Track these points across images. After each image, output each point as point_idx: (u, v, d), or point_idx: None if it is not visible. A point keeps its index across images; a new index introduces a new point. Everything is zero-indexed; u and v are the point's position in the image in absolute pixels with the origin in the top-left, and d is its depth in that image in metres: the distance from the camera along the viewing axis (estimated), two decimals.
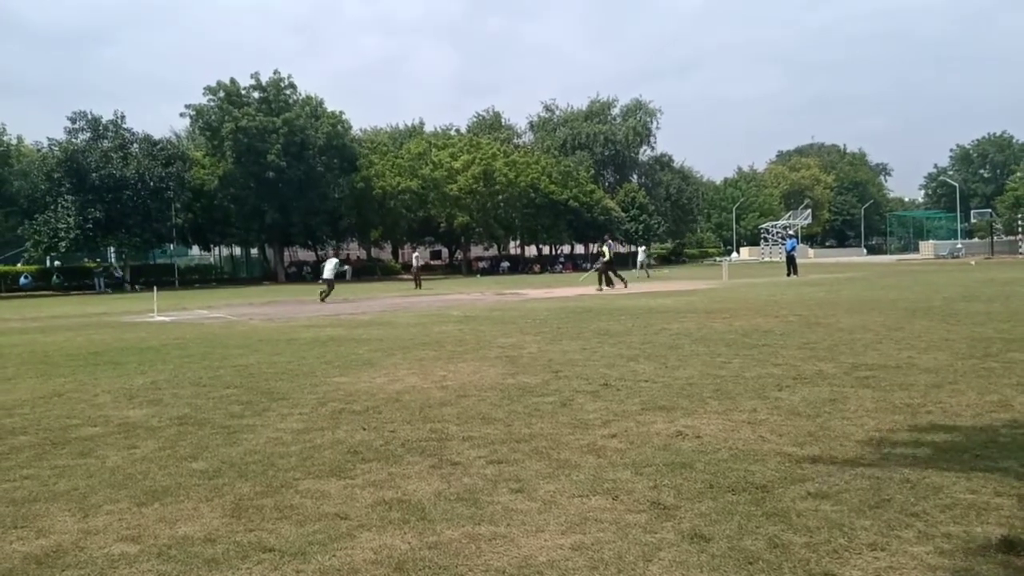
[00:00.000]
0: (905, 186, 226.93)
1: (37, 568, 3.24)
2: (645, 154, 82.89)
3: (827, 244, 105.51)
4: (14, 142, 49.63)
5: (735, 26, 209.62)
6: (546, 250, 75.37)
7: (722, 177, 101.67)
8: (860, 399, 6.08)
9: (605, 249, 26.99)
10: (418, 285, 33.58)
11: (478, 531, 3.50)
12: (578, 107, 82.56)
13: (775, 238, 76.90)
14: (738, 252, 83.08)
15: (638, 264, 41.32)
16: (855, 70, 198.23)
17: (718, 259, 72.39)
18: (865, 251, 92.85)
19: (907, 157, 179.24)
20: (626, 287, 25.30)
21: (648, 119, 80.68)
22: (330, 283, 24.58)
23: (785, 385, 6.76)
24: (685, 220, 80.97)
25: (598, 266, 26.97)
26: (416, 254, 41.81)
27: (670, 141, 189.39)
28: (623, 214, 69.10)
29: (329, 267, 25.29)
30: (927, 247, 74.17)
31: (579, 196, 65.00)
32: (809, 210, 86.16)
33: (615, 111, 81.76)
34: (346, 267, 27.66)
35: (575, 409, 6.05)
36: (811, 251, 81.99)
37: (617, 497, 3.91)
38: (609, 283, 25.55)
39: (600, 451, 4.78)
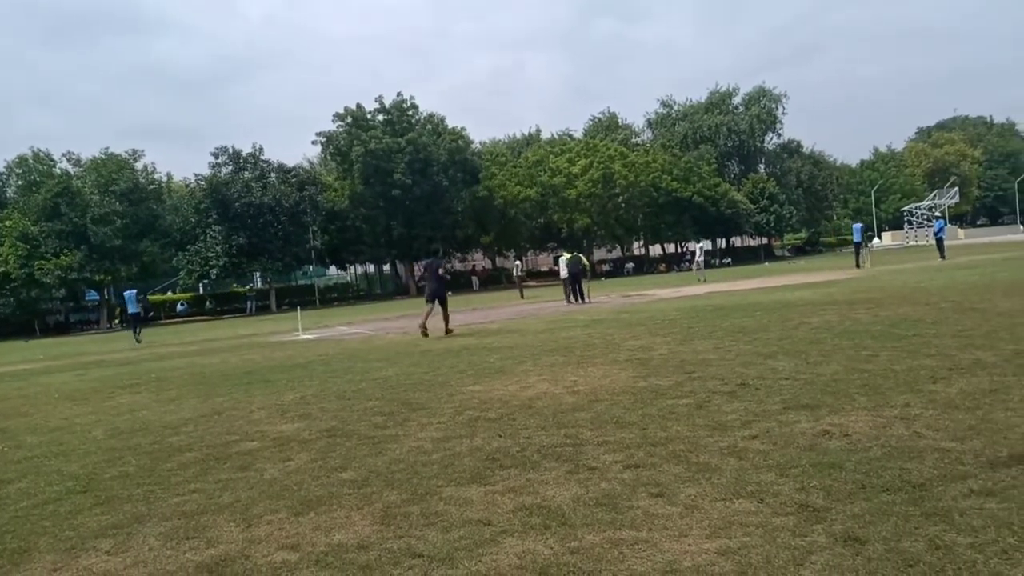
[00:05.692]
0: None
1: None
2: (771, 142, 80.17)
3: (978, 223, 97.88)
4: (164, 179, 53.86)
5: (860, 2, 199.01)
6: (672, 248, 74.07)
7: (857, 160, 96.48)
8: None
9: (562, 263, 24.78)
10: (521, 295, 33.61)
11: (619, 536, 3.49)
12: (697, 100, 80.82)
13: (919, 220, 71.88)
14: (880, 238, 78.28)
15: (694, 265, 36.75)
16: (999, 37, 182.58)
17: None
18: (1023, 228, 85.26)
19: None
20: (580, 303, 22.82)
21: (772, 105, 77.89)
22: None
23: (940, 377, 6.32)
24: (820, 208, 77.47)
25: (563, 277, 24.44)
26: (517, 263, 41.90)
27: (798, 127, 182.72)
28: (752, 206, 66.98)
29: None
30: None
31: (703, 191, 63.65)
32: (956, 188, 79.90)
33: (736, 100, 79.42)
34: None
35: (712, 411, 5.90)
36: (961, 232, 76.27)
37: (762, 500, 3.79)
38: (579, 297, 23.44)
39: (741, 453, 4.64)
